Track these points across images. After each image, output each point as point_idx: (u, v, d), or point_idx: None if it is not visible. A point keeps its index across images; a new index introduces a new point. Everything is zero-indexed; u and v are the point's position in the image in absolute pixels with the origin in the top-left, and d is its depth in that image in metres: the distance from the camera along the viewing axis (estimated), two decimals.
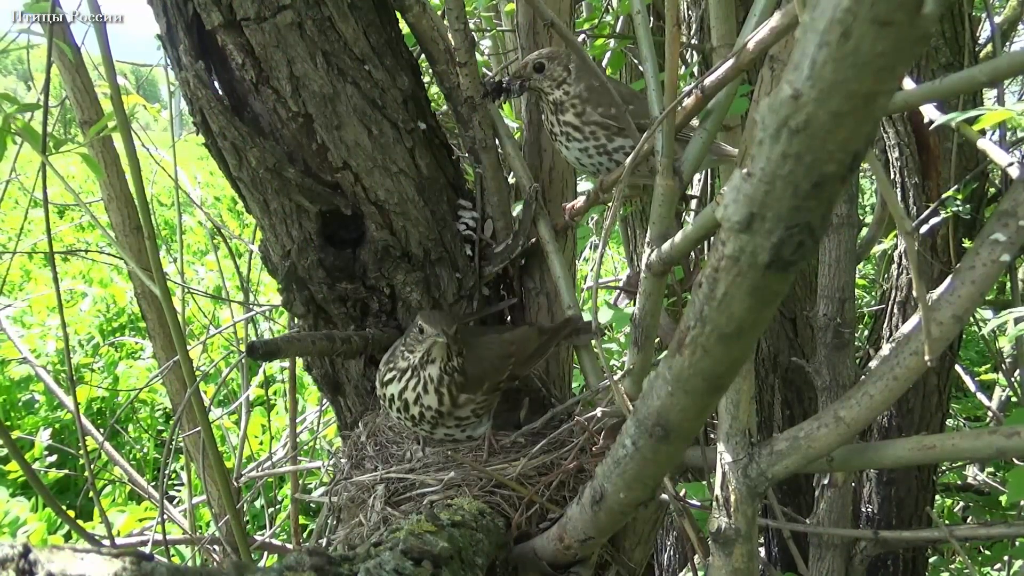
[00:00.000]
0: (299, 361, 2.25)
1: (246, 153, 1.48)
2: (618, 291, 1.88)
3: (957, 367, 3.01)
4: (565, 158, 1.60)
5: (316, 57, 1.44)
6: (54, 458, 4.18)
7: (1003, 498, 3.01)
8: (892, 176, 2.50)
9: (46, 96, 1.58)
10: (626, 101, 1.46)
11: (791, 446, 1.03)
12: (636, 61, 2.68)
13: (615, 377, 1.34)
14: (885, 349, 2.23)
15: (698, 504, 1.45)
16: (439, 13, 1.64)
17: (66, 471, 3.89)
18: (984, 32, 2.80)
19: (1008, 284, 2.70)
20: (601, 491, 1.08)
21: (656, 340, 1.38)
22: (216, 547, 2.41)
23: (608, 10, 2.59)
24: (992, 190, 2.65)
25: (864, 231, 2.53)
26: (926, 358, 0.88)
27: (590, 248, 3.88)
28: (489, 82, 1.57)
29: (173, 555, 3.14)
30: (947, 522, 2.48)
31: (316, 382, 1.82)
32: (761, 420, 2.74)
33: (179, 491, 3.97)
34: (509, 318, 1.80)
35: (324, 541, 1.77)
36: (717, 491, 1.12)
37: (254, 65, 1.45)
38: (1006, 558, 2.61)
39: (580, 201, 1.67)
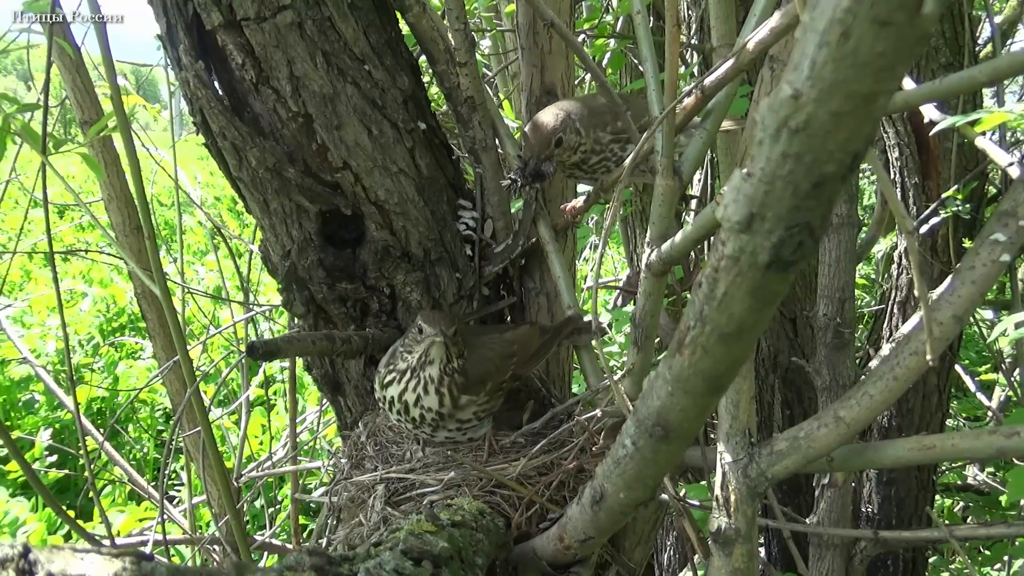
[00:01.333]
0: (299, 361, 2.25)
1: (246, 153, 1.48)
2: (618, 291, 1.88)
3: (957, 367, 3.01)
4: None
5: (316, 57, 1.44)
6: (54, 458, 4.18)
7: (1003, 498, 3.01)
8: (892, 176, 2.49)
9: (46, 96, 1.58)
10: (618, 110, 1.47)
11: (791, 446, 1.03)
12: (636, 61, 2.68)
13: (615, 377, 1.34)
14: (885, 349, 2.23)
15: (698, 504, 1.45)
16: (439, 13, 1.64)
17: (66, 471, 3.90)
18: (984, 32, 2.80)
19: (1008, 284, 2.70)
20: (601, 491, 1.08)
21: (656, 340, 1.38)
22: (216, 547, 2.41)
23: (608, 10, 2.59)
24: (992, 190, 2.65)
25: (864, 231, 2.53)
26: (928, 358, 0.88)
27: (590, 248, 3.88)
28: (529, 174, 1.51)
29: (173, 555, 3.14)
30: (947, 522, 2.48)
31: (316, 382, 1.82)
32: (761, 420, 2.74)
33: (179, 491, 3.97)
34: (509, 318, 1.80)
35: (324, 541, 1.77)
36: (717, 491, 1.12)
37: (254, 65, 1.45)
38: (1006, 558, 2.61)
39: (580, 201, 1.68)
